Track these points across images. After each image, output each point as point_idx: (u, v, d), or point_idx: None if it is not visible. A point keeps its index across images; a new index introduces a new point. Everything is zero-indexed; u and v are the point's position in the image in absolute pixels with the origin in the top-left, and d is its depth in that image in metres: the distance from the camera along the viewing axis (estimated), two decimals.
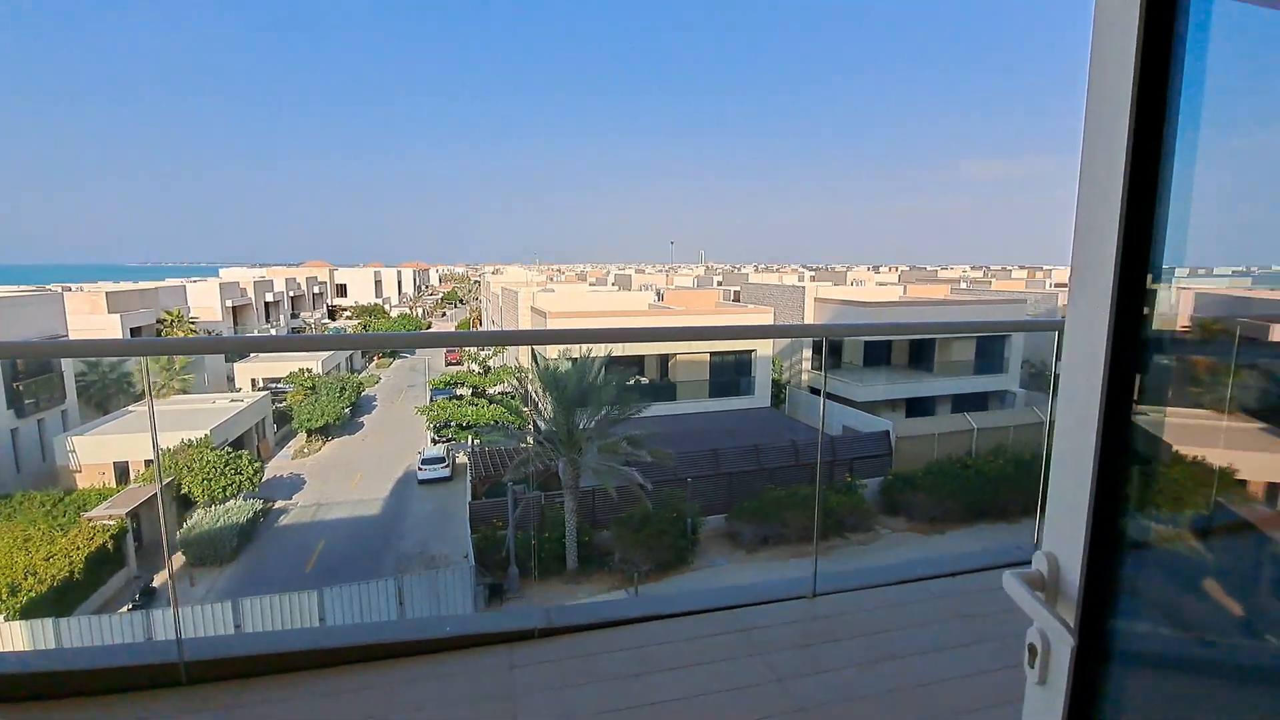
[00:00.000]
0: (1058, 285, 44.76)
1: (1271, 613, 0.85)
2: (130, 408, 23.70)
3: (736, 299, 38.27)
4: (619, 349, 19.43)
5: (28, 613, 12.66)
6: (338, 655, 2.35)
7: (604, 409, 16.11)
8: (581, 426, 15.90)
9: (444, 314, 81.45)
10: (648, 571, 14.82)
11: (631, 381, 21.07)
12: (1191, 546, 0.93)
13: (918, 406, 26.59)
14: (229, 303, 44.07)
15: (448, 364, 33.32)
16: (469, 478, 19.28)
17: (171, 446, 18.98)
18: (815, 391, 27.17)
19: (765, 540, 16.14)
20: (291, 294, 56.90)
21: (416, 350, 45.55)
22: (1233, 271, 0.89)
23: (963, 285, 43.68)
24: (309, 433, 26.81)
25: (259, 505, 18.93)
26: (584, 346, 17.08)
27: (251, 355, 35.02)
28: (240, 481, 18.98)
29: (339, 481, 22.76)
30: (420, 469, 22.26)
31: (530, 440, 17.03)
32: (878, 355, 28.56)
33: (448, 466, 22.27)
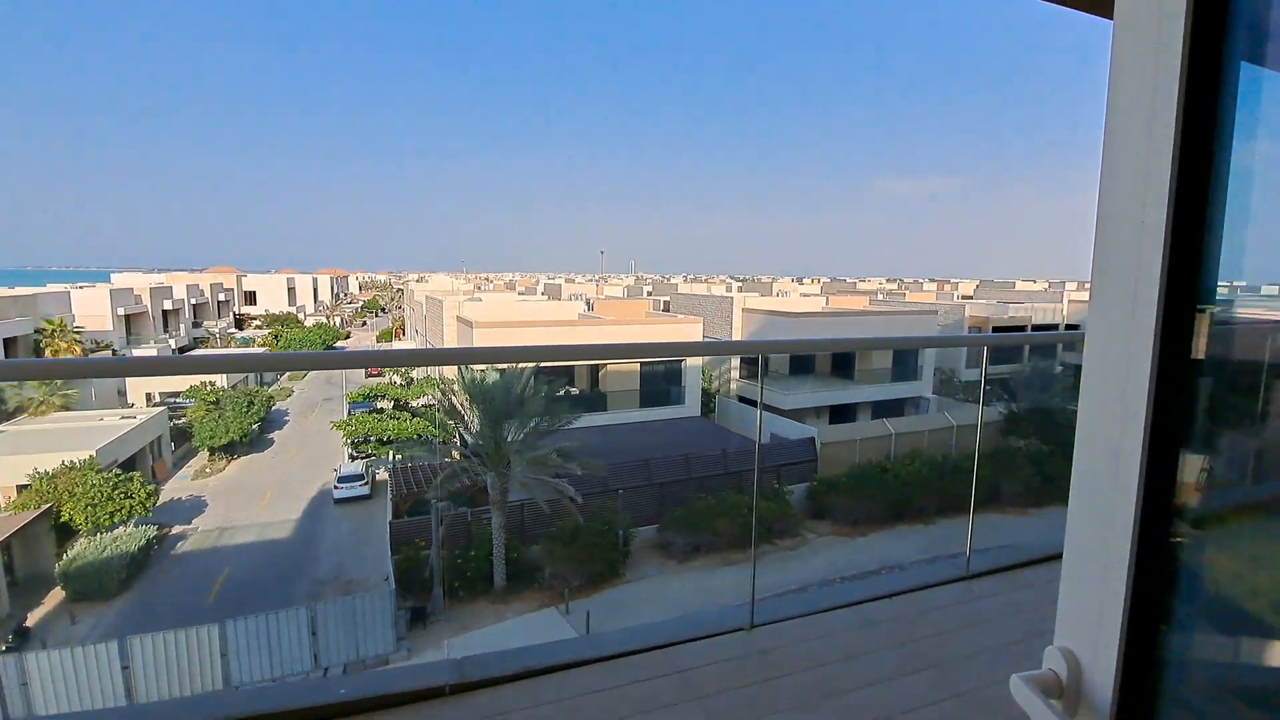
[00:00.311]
0: (964, 298, 47.56)
1: None
2: (2, 427, 21.53)
3: (667, 309, 38.60)
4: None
5: None
6: None
7: (533, 420, 15.74)
8: (510, 439, 15.47)
9: (364, 323, 78.37)
10: (579, 586, 14.53)
11: (561, 392, 20.76)
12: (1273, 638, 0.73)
13: (841, 413, 27.50)
14: (121, 310, 40.80)
15: (368, 375, 31.87)
16: (390, 495, 18.44)
17: (50, 469, 17.26)
18: (744, 400, 27.64)
19: (697, 549, 16.17)
20: (194, 301, 53.30)
21: None
22: None
23: (880, 297, 45.70)
24: (212, 451, 25.03)
25: (152, 532, 17.43)
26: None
27: None
28: (131, 506, 17.45)
29: (246, 503, 21.28)
30: (337, 487, 21.16)
31: (456, 454, 16.44)
32: (803, 364, 29.38)
33: (367, 484, 21.27)
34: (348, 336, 65.26)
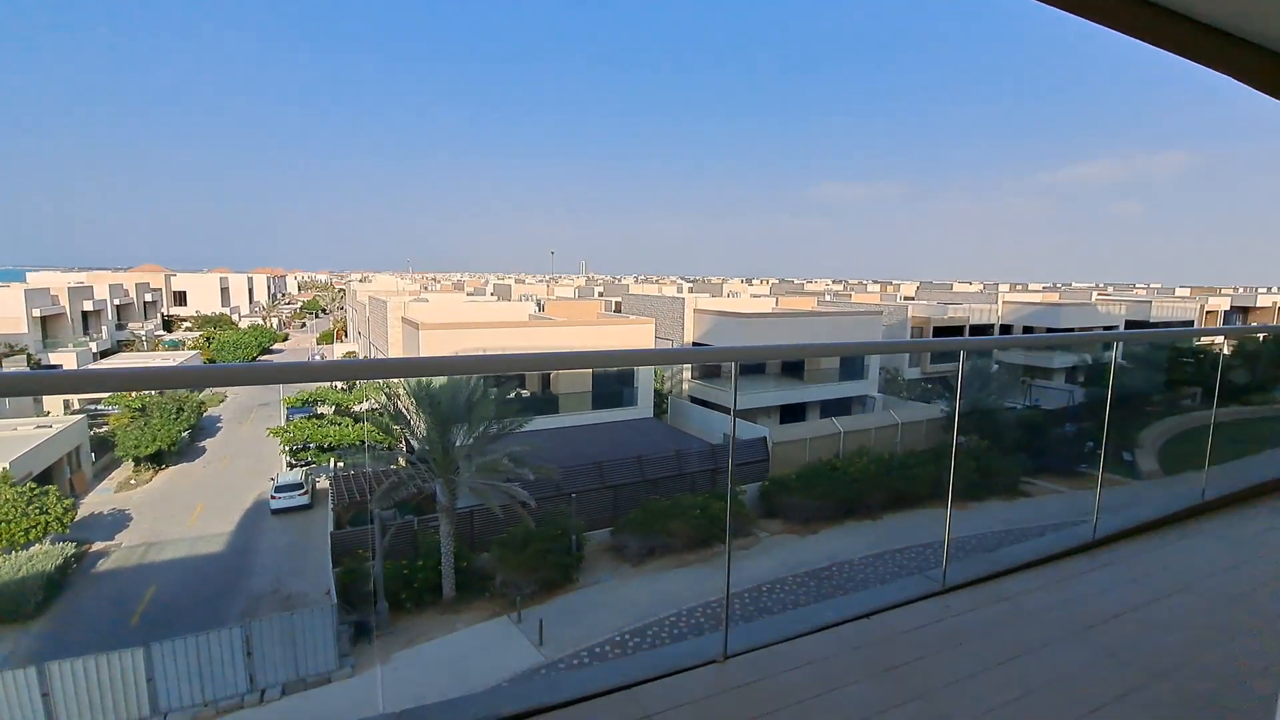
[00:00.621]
0: (906, 299, 49.10)
1: None
2: None
3: (618, 310, 38.47)
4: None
5: None
6: None
7: (483, 424, 15.37)
8: (459, 444, 15.06)
9: (303, 325, 75.65)
10: (531, 594, 14.26)
11: (512, 395, 20.38)
12: None
13: (791, 413, 27.92)
14: (37, 312, 38.27)
15: None
16: (331, 505, 17.74)
17: None
18: (697, 401, 27.75)
19: (651, 551, 16.10)
20: (118, 302, 50.30)
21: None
22: None
23: (826, 298, 46.69)
24: (137, 461, 23.60)
25: (71, 549, 16.31)
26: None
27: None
28: (46, 522, 16.30)
29: (175, 516, 20.14)
30: (274, 497, 20.28)
31: (401, 461, 15.92)
32: (754, 364, 29.71)
33: (306, 493, 20.44)
34: (285, 339, 62.76)
